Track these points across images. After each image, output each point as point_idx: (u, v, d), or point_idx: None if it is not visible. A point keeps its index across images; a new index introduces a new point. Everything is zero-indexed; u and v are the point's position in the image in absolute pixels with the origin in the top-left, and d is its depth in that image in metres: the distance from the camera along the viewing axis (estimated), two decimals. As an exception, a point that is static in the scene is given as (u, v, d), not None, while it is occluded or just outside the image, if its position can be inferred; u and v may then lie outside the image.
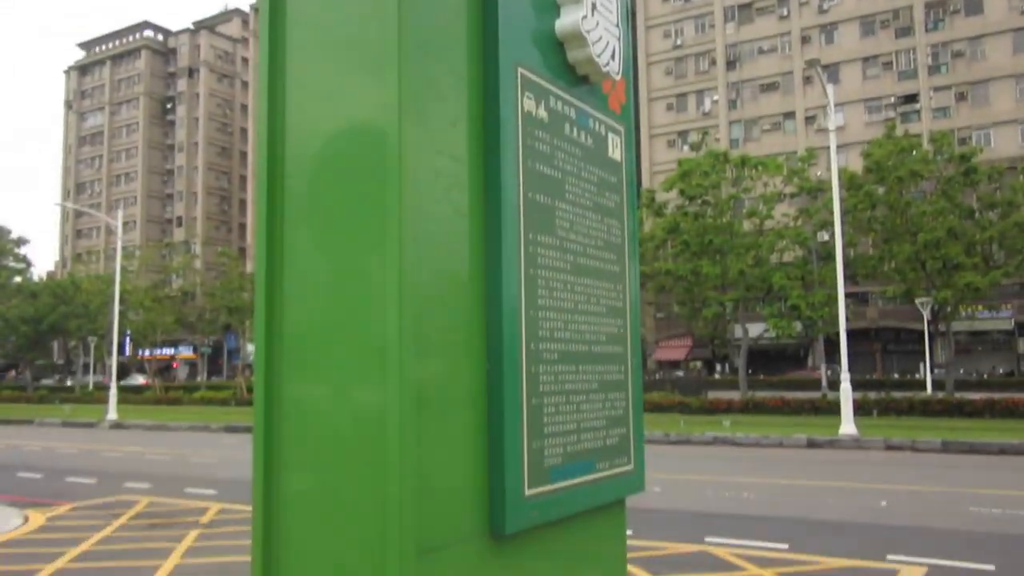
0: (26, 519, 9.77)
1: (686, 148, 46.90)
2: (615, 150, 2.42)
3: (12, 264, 56.83)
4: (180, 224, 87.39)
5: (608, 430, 2.21)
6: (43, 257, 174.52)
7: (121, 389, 32.24)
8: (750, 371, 38.69)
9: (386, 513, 1.48)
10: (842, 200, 23.99)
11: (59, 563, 7.51)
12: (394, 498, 1.48)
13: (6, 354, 61.12)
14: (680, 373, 54.41)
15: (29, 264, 58.56)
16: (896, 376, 46.35)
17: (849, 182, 31.21)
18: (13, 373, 72.88)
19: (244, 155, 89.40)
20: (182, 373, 73.88)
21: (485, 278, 1.79)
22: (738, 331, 34.72)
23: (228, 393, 40.22)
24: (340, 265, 1.63)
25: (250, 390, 39.68)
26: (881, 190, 31.19)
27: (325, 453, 1.60)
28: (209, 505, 10.66)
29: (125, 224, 49.39)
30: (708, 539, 8.03)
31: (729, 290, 32.67)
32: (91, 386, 53.95)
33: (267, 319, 1.68)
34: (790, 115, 59.12)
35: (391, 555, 1.47)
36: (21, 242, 56.59)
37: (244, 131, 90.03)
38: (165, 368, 70.84)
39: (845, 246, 24.60)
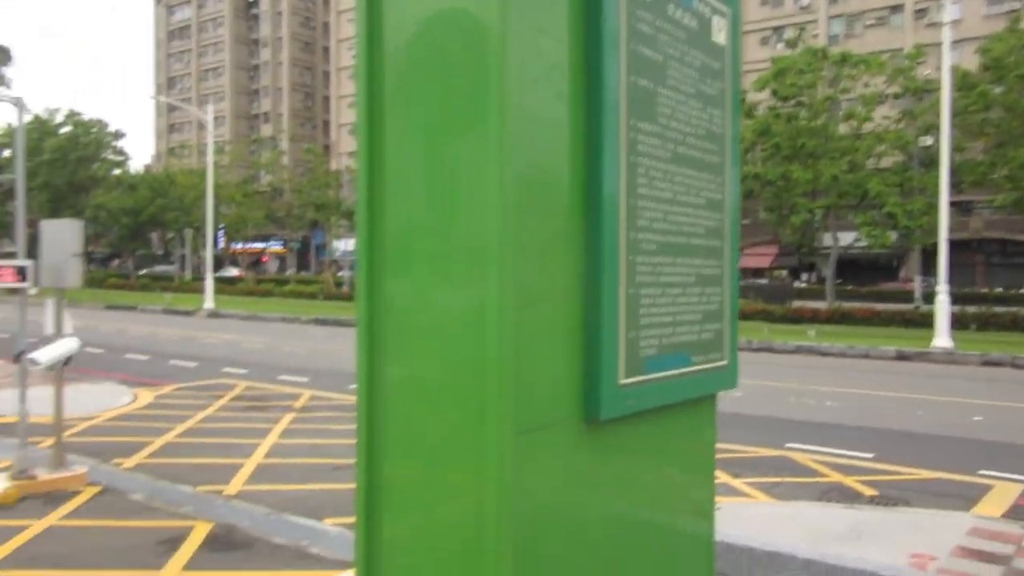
0: (135, 396, 10.51)
1: (780, 45, 44.29)
2: (720, 33, 2.28)
3: (111, 157, 59.07)
4: (267, 120, 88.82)
5: (703, 324, 2.17)
6: (139, 151, 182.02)
7: (216, 280, 33.70)
8: (838, 281, 37.56)
9: (485, 397, 1.51)
10: (952, 101, 22.41)
11: (168, 436, 8.09)
12: (493, 384, 1.50)
13: (110, 243, 64.34)
14: (764, 281, 53.26)
15: (127, 157, 60.78)
16: (1000, 291, 44.09)
17: (961, 81, 29.01)
18: (116, 262, 77.02)
19: (327, 51, 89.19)
20: (272, 267, 76.70)
21: (586, 165, 1.74)
22: (827, 239, 33.57)
23: (316, 287, 41.64)
24: (441, 153, 1.61)
25: (338, 284, 41.20)
26: (998, 90, 28.93)
27: (426, 344, 1.63)
28: (302, 392, 11.22)
29: (215, 119, 50.51)
30: (789, 445, 8.01)
31: (820, 196, 31.37)
32: (188, 276, 56.66)
33: (368, 214, 1.69)
34: (898, 8, 54.86)
35: (490, 434, 1.50)
36: (118, 135, 58.59)
37: (326, 25, 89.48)
38: (256, 262, 73.61)
39: (952, 151, 23.11)
